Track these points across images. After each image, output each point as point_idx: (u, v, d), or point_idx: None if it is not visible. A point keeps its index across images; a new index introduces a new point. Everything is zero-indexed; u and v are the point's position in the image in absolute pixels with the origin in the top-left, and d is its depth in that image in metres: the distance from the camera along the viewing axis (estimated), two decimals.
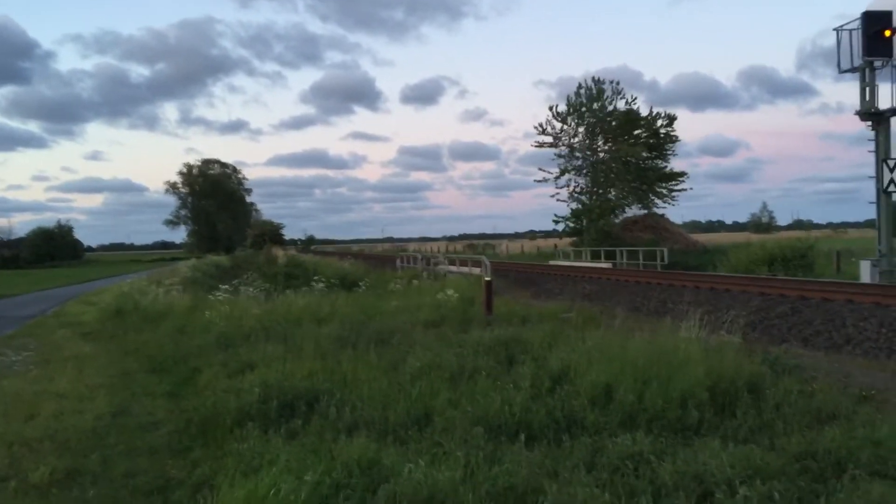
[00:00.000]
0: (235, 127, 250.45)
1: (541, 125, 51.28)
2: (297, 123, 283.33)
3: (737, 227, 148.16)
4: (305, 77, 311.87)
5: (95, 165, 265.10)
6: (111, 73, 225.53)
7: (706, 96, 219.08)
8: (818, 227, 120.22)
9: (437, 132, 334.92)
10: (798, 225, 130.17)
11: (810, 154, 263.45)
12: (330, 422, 6.82)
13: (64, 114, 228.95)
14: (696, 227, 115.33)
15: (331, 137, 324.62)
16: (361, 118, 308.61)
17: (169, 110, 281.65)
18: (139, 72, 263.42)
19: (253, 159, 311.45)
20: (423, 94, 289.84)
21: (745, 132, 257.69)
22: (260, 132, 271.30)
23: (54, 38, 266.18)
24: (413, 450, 5.91)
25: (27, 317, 22.02)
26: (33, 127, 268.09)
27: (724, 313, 12.46)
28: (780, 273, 25.71)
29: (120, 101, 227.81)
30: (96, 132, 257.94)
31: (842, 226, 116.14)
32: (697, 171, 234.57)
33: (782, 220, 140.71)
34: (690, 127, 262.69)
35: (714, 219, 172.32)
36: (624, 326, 11.28)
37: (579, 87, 50.17)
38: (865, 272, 21.14)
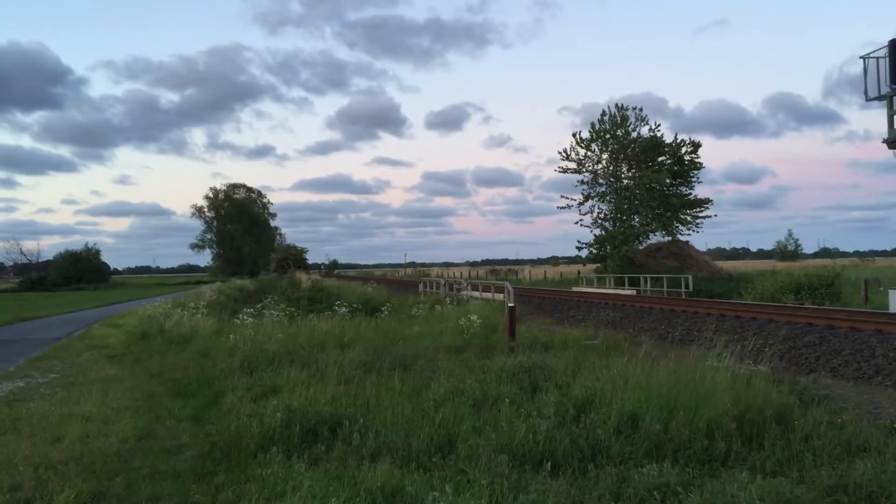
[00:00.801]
0: (262, 152, 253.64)
1: (565, 151, 51.44)
2: (323, 149, 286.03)
3: (762, 254, 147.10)
4: (332, 103, 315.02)
5: (124, 189, 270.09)
6: (142, 98, 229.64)
7: (731, 123, 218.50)
8: (845, 255, 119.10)
9: (461, 158, 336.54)
10: (824, 253, 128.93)
11: (837, 182, 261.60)
12: (353, 448, 6.80)
13: (94, 138, 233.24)
14: (720, 254, 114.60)
15: (355, 163, 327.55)
16: (386, 144, 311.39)
17: (197, 135, 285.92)
18: (169, 98, 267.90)
19: (278, 184, 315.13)
20: (448, 120, 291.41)
21: (771, 159, 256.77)
22: (286, 157, 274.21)
23: (87, 64, 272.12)
24: (437, 477, 5.87)
25: (53, 339, 22.24)
26: (64, 151, 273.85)
27: (750, 342, 12.32)
28: (807, 302, 25.41)
29: (149, 126, 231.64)
30: (126, 157, 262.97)
31: (869, 254, 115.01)
32: (722, 198, 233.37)
33: (808, 247, 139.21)
34: (715, 154, 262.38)
35: (739, 246, 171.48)
36: (649, 354, 11.18)
37: (603, 113, 50.32)
38: (895, 301, 20.84)
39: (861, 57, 22.18)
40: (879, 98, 21.82)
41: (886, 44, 21.12)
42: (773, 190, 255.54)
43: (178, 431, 8.68)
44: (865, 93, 22.25)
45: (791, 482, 5.58)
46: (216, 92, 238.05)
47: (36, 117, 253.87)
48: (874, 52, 21.75)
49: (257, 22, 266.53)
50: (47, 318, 34.07)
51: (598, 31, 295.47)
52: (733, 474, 5.81)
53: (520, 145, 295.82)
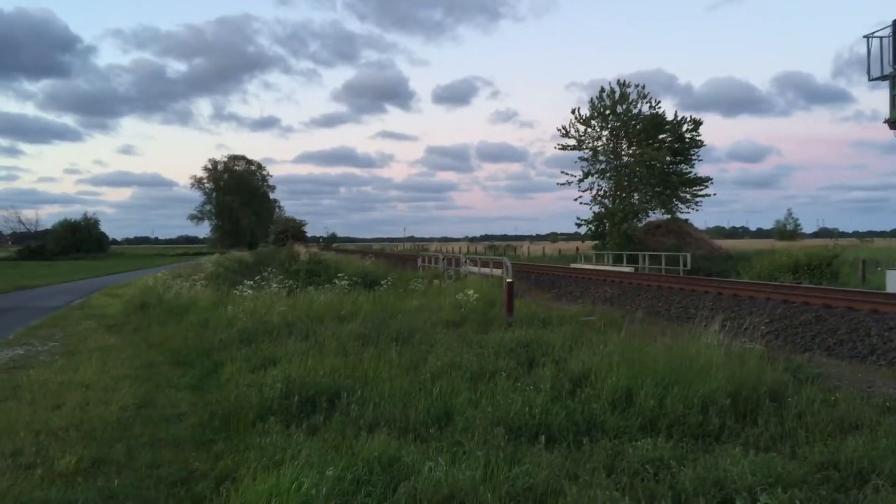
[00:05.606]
0: (267, 123, 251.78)
1: (564, 128, 51.08)
2: (329, 121, 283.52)
3: (761, 233, 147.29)
4: (340, 75, 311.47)
5: (127, 159, 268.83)
6: (149, 68, 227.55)
7: (740, 101, 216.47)
8: (844, 235, 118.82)
9: (467, 132, 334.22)
10: (823, 233, 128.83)
11: (840, 162, 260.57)
12: (351, 418, 6.87)
13: (100, 108, 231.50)
14: (719, 232, 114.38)
15: (360, 136, 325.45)
16: (392, 117, 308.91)
17: (203, 106, 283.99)
18: (176, 67, 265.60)
19: (282, 156, 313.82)
20: (456, 95, 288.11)
21: (777, 138, 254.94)
22: (291, 129, 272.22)
23: (95, 33, 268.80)
24: (433, 448, 5.94)
25: (52, 308, 22.31)
26: (68, 120, 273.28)
27: (746, 320, 12.38)
28: (805, 281, 25.48)
29: (155, 96, 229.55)
30: (130, 126, 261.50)
31: (868, 235, 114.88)
32: (726, 177, 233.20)
33: (808, 227, 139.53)
34: (722, 132, 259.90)
35: (738, 225, 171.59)
36: (645, 331, 11.23)
37: (602, 90, 49.82)
38: (892, 282, 20.90)
39: (865, 36, 22.05)
40: (882, 78, 21.71)
41: (891, 23, 21.00)
42: (777, 169, 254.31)
43: (177, 400, 8.75)
44: (868, 72, 22.15)
45: (783, 458, 5.65)
46: (224, 62, 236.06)
47: (42, 85, 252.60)
48: (878, 31, 21.62)
49: None
50: (46, 286, 34.14)
51: (610, 6, 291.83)
52: (726, 449, 5.88)
53: (525, 120, 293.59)
